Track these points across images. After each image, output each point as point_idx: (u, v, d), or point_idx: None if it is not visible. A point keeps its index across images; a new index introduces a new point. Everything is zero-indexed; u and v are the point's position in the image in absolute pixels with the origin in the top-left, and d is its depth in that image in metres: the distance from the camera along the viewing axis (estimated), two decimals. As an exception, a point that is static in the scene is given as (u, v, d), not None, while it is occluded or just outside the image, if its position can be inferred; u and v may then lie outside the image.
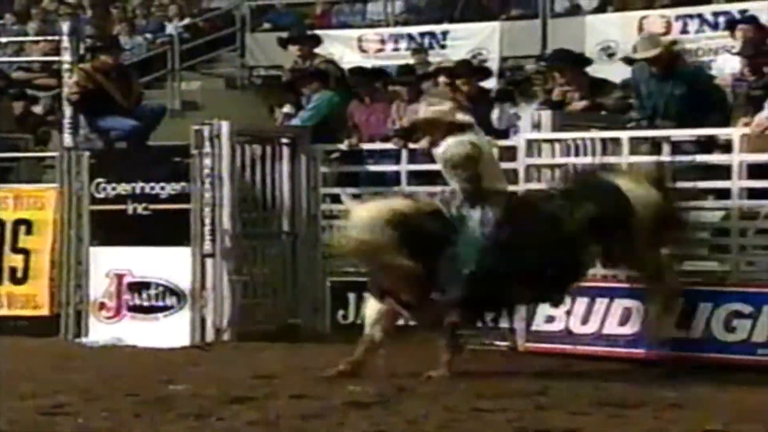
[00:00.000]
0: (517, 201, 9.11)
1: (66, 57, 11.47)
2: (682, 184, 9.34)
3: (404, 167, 10.60)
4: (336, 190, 10.94)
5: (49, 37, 14.07)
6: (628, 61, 10.93)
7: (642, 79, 10.23)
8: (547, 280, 8.64)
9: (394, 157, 10.78)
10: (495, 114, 10.98)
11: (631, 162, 9.44)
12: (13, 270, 11.33)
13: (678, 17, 15.74)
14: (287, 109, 11.94)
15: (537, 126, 10.18)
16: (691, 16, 15.72)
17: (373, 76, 11.74)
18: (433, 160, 9.71)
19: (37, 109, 14.08)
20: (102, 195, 10.92)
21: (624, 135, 9.81)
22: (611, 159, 9.71)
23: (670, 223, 8.78)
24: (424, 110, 9.10)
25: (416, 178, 10.49)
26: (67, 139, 11.38)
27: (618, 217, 8.61)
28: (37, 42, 16.76)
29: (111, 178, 10.87)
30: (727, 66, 10.74)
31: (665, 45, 10.40)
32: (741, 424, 7.01)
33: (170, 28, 18.84)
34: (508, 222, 8.66)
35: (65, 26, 11.80)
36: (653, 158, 9.71)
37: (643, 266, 8.81)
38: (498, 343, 9.79)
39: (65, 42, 11.49)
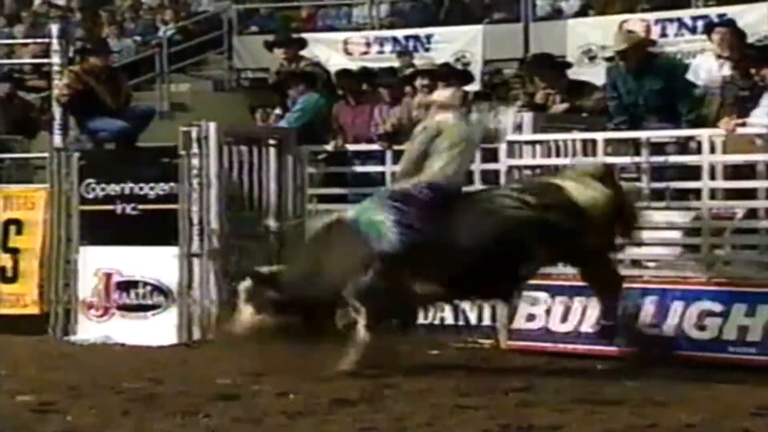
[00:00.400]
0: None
1: (56, 59, 11.44)
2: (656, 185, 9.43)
3: (389, 168, 10.59)
4: (322, 191, 10.97)
5: (39, 40, 14.01)
6: (610, 60, 10.95)
7: (619, 78, 10.26)
8: (469, 278, 8.51)
9: (379, 158, 10.77)
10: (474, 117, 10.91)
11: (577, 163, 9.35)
12: (3, 269, 11.28)
13: (657, 21, 15.77)
14: (279, 110, 11.93)
15: (519, 128, 10.18)
16: (670, 20, 15.75)
17: (361, 78, 11.72)
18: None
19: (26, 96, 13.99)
20: (91, 195, 10.88)
21: (600, 136, 9.84)
22: (590, 159, 9.76)
23: (623, 218, 8.70)
24: (438, 94, 9.14)
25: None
26: (57, 140, 11.33)
27: (566, 219, 8.50)
28: (26, 44, 16.70)
29: (100, 179, 10.84)
30: (702, 68, 10.74)
31: (636, 40, 10.44)
32: (721, 421, 7.01)
33: (160, 31, 18.79)
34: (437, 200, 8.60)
35: (55, 29, 11.75)
36: (631, 159, 9.76)
37: (597, 264, 8.74)
38: (481, 341, 9.79)
39: (55, 45, 11.46)
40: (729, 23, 11.53)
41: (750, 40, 11.30)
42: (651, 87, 10.03)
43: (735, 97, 9.87)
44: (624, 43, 10.25)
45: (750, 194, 9.43)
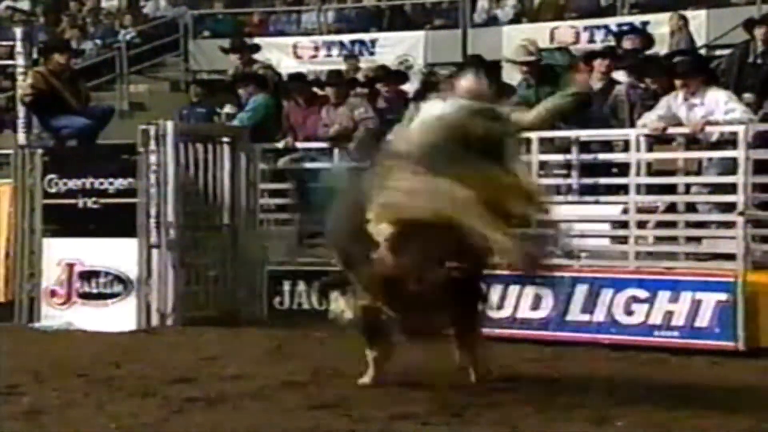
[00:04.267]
0: None
1: (20, 61, 11.32)
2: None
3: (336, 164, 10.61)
4: (273, 186, 10.95)
5: (4, 43, 13.88)
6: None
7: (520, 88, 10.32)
8: None
9: (328, 155, 10.77)
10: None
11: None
12: (-30, 260, 11.19)
13: (585, 28, 15.91)
14: (228, 109, 11.92)
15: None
16: (597, 27, 15.88)
17: (309, 83, 11.74)
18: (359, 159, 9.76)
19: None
20: (54, 190, 10.80)
21: (535, 135, 9.87)
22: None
23: None
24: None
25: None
26: (21, 138, 11.24)
27: None
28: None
29: (62, 174, 10.76)
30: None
31: (537, 55, 10.48)
32: (641, 400, 7.07)
33: (120, 35, 18.69)
34: None
35: (19, 32, 11.62)
36: (561, 156, 9.83)
37: None
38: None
39: (19, 47, 11.35)
40: (637, 30, 11.60)
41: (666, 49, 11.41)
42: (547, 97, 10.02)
43: (642, 103, 9.92)
44: (529, 56, 10.30)
45: (671, 190, 9.55)
